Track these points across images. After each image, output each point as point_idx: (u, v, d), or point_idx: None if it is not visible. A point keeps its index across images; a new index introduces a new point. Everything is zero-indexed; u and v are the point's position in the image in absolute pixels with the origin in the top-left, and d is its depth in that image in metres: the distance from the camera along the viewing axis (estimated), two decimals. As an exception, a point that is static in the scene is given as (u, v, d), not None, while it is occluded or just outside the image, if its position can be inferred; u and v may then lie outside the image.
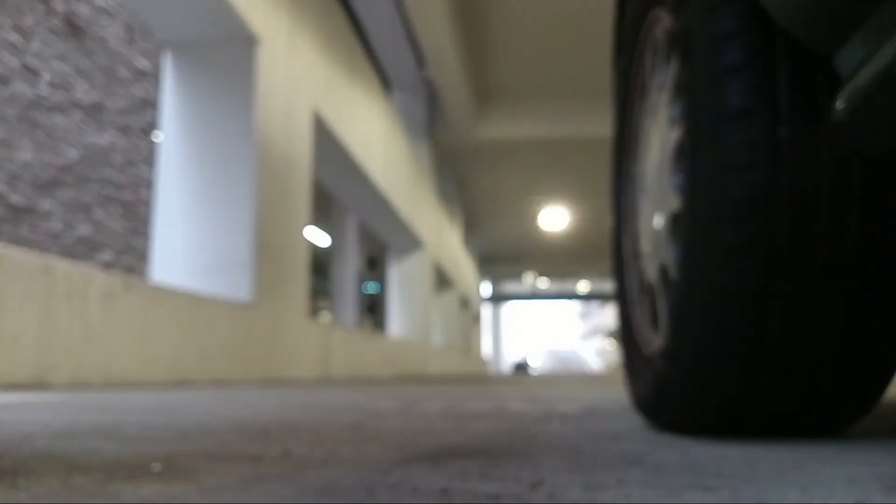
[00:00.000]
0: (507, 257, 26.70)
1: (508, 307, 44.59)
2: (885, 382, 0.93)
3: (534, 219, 19.63)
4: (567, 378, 6.59)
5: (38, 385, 2.54)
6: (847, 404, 0.94)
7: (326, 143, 6.67)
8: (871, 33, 0.58)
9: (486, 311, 30.59)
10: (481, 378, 7.59)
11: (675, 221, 1.02)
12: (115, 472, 0.69)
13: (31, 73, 5.10)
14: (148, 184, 6.77)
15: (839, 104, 0.66)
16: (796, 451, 0.87)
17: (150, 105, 6.84)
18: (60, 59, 5.42)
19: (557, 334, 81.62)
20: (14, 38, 4.92)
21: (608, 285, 28.00)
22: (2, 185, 4.85)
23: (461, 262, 16.96)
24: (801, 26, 0.68)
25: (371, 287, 15.26)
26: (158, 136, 5.54)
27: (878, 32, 0.57)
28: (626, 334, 1.36)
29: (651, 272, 1.19)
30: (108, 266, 6.01)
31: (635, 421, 1.31)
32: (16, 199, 4.98)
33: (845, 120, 0.67)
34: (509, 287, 39.78)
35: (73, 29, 5.50)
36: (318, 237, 12.39)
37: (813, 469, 0.73)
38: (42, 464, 0.74)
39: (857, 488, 0.62)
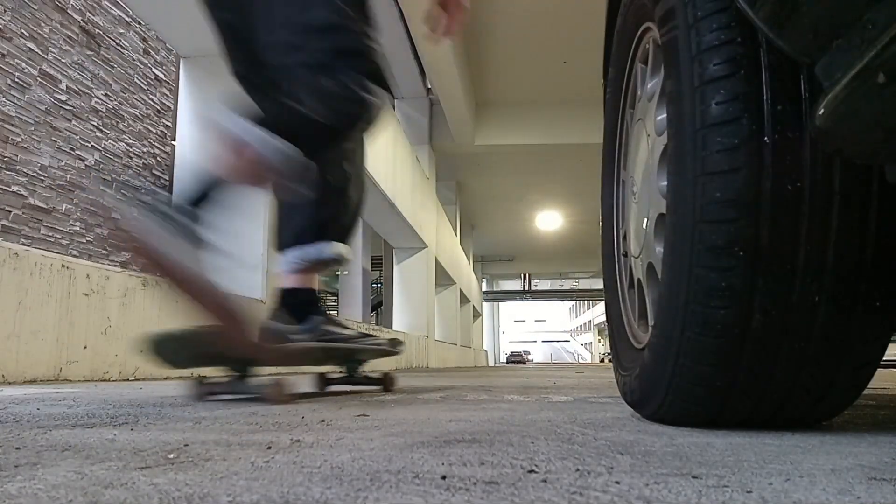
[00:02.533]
0: (504, 256, 26.74)
1: (505, 303, 44.65)
2: (866, 377, 0.93)
3: (528, 220, 19.64)
4: (559, 369, 6.59)
5: (57, 379, 2.53)
6: (828, 398, 0.94)
7: (332, 148, 6.65)
8: (852, 43, 0.58)
9: (484, 307, 30.61)
10: (479, 369, 7.62)
11: (663, 222, 1.02)
12: (130, 461, 0.69)
13: (48, 79, 5.07)
14: (164, 188, 6.77)
15: (821, 111, 0.65)
16: (779, 441, 0.87)
17: (165, 112, 6.83)
18: (78, 66, 5.39)
19: (550, 328, 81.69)
20: (31, 45, 4.89)
21: (598, 283, 28.07)
22: (21, 187, 4.83)
23: (460, 261, 16.96)
24: (784, 36, 0.68)
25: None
26: (174, 142, 5.53)
27: (860, 41, 0.56)
28: (616, 329, 1.35)
29: (639, 270, 1.19)
30: (125, 265, 6.01)
31: (624, 411, 1.31)
32: (35, 200, 4.96)
33: (827, 126, 0.66)
34: (505, 284, 39.82)
35: (90, 38, 5.47)
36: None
37: (796, 459, 0.72)
38: (59, 454, 0.73)
39: (840, 478, 0.61)
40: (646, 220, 1.14)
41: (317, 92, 1.24)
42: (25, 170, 4.80)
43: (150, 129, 6.55)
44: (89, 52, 5.51)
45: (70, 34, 5.25)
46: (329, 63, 1.28)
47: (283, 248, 1.70)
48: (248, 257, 4.54)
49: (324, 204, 1.66)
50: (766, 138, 0.82)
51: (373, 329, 8.28)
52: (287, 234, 1.70)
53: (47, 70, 5.00)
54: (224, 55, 1.55)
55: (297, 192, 1.30)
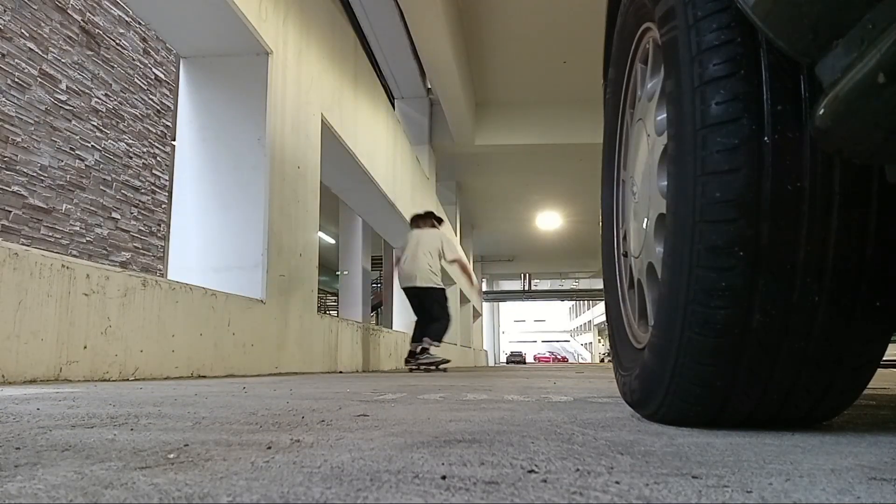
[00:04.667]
0: (504, 256, 26.73)
1: (505, 303, 44.64)
2: (866, 378, 0.93)
3: (528, 220, 19.63)
4: (559, 369, 6.60)
5: (57, 379, 2.53)
6: (828, 398, 0.94)
7: (334, 149, 6.66)
8: (852, 43, 0.58)
9: (483, 307, 30.57)
10: (479, 369, 7.62)
11: (663, 222, 1.01)
12: (130, 461, 0.69)
13: (48, 79, 5.06)
14: (164, 187, 6.76)
15: (821, 111, 0.65)
16: (779, 441, 0.87)
17: (165, 112, 6.83)
18: (78, 66, 5.38)
19: (550, 328, 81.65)
20: (31, 45, 4.88)
21: (598, 283, 28.00)
22: (21, 187, 4.82)
23: (460, 262, 16.92)
24: (784, 36, 0.68)
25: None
26: (174, 142, 5.53)
27: (860, 42, 0.56)
28: (616, 329, 1.35)
29: (639, 270, 1.19)
30: (125, 265, 6.00)
31: (624, 411, 1.31)
32: (35, 200, 4.95)
33: (827, 126, 0.66)
34: (505, 284, 39.80)
35: (90, 38, 5.47)
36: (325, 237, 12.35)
37: (796, 459, 0.72)
38: (59, 454, 0.73)
39: (840, 478, 0.61)
40: (646, 220, 1.14)
41: (444, 323, 6.70)
42: (25, 170, 4.80)
43: (150, 129, 6.55)
44: (89, 52, 5.50)
45: (70, 34, 5.25)
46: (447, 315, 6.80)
47: (424, 337, 6.41)
48: (248, 258, 4.54)
49: (437, 331, 6.56)
50: (766, 138, 0.82)
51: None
52: (427, 333, 6.45)
53: (47, 70, 5.00)
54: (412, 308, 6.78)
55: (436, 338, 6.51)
